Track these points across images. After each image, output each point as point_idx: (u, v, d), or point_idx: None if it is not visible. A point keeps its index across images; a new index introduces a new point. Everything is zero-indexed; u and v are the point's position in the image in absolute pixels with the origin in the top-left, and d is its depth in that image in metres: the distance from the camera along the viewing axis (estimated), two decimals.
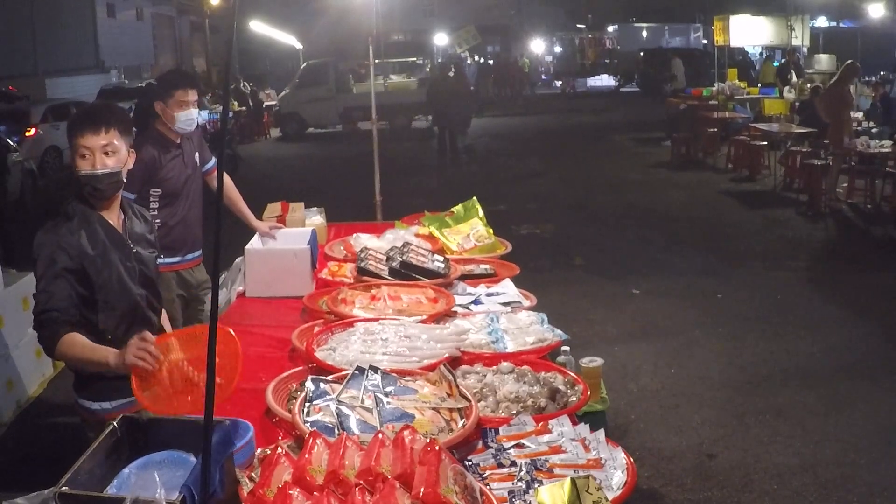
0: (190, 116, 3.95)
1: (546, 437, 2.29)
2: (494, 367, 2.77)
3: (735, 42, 18.21)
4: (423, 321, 3.14)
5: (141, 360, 2.28)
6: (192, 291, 4.22)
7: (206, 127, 18.77)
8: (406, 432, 2.00)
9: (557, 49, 42.42)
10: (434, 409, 2.34)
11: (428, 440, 1.99)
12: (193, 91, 3.98)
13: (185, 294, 4.19)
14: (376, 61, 8.29)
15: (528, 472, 2.10)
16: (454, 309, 3.40)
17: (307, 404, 2.35)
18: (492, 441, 2.29)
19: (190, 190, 4.14)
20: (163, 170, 3.96)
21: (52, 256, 2.59)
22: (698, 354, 5.84)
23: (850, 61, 10.99)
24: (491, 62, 33.36)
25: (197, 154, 4.23)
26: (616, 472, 2.16)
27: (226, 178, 4.42)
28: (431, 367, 2.66)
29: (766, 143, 12.61)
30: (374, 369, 2.48)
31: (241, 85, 23.23)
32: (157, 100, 4.01)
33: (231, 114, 19.27)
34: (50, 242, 2.62)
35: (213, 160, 4.39)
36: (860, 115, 13.62)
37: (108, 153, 2.66)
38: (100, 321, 2.70)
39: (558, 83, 36.63)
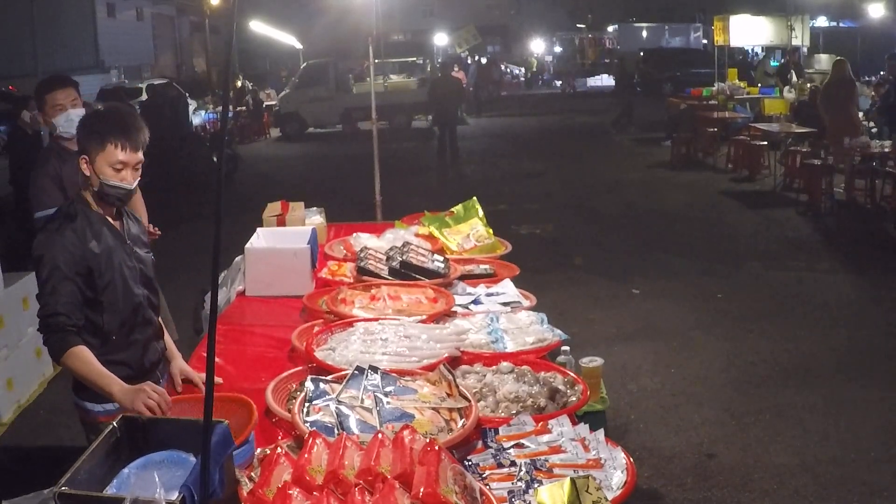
0: (69, 118, 3.73)
1: (546, 437, 2.29)
2: (494, 367, 2.77)
3: (735, 42, 18.22)
4: (422, 321, 3.14)
5: (148, 409, 2.37)
6: None
7: (207, 126, 18.77)
8: (406, 432, 2.00)
9: (557, 49, 42.44)
10: (434, 409, 2.34)
11: (427, 440, 1.99)
12: (65, 91, 3.81)
13: None
14: (376, 61, 8.28)
15: (527, 472, 2.10)
16: (454, 309, 3.40)
17: (307, 404, 2.35)
18: (491, 441, 2.29)
19: None
20: (65, 181, 3.76)
21: (56, 258, 2.59)
22: (698, 354, 5.84)
23: (840, 58, 11.15)
24: (482, 60, 33.55)
25: None
26: (616, 472, 2.16)
27: (137, 198, 4.31)
28: (431, 367, 2.66)
29: (766, 143, 12.61)
30: (374, 369, 2.48)
31: (242, 84, 23.22)
32: (39, 111, 3.91)
33: (231, 114, 19.27)
34: (54, 244, 2.62)
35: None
36: (860, 115, 13.62)
37: (137, 169, 2.72)
38: (104, 322, 2.71)
39: (558, 83, 36.66)
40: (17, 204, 9.44)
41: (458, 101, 17.00)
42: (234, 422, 2.29)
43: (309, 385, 2.43)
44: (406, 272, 3.75)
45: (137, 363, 2.81)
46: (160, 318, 3.03)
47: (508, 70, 38.17)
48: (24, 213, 9.16)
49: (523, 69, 40.15)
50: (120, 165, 2.65)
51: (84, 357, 2.56)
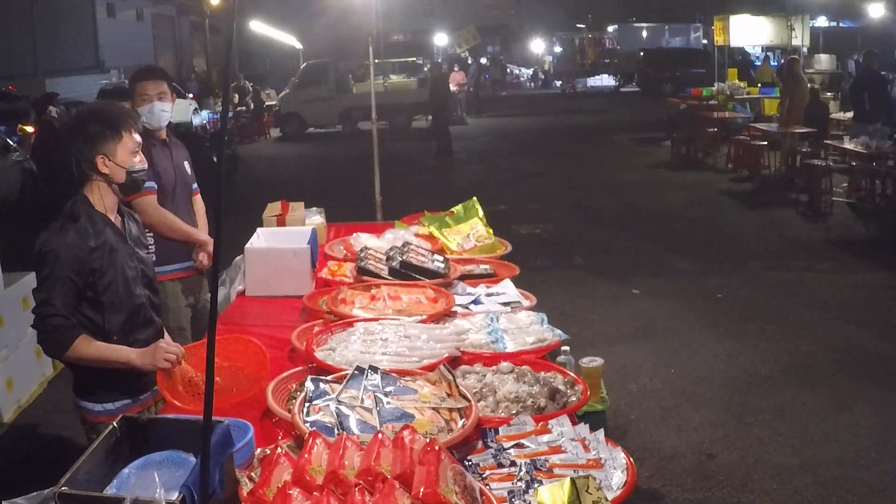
0: (152, 110, 3.77)
1: (546, 437, 2.29)
2: (494, 367, 2.77)
3: (735, 42, 18.20)
4: (422, 321, 3.14)
5: (167, 362, 2.61)
6: (200, 297, 4.06)
7: (206, 126, 18.75)
8: (406, 432, 2.00)
9: (557, 49, 42.43)
10: (434, 409, 2.34)
11: (428, 440, 1.99)
12: (155, 83, 3.81)
13: (194, 303, 4.01)
14: (376, 61, 8.28)
15: (527, 472, 2.10)
16: (454, 309, 3.40)
17: (307, 404, 2.35)
18: (491, 441, 2.29)
19: (178, 194, 3.94)
20: (156, 163, 3.75)
21: (59, 257, 2.61)
22: (698, 354, 5.84)
23: (792, 56, 13.34)
24: (481, 61, 33.65)
25: (187, 164, 4.07)
26: (616, 472, 2.16)
27: (200, 204, 4.30)
28: (431, 367, 2.66)
29: (766, 143, 12.62)
30: (374, 369, 2.48)
31: (242, 83, 23.22)
32: (129, 99, 3.92)
33: (231, 114, 19.28)
34: (56, 243, 2.63)
35: (195, 186, 4.20)
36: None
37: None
38: (106, 322, 2.73)
39: (558, 83, 36.63)
40: (42, 196, 9.66)
41: (444, 103, 17.13)
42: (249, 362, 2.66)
43: (309, 385, 2.43)
44: (406, 272, 3.75)
45: None
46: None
47: (508, 70, 38.19)
48: (44, 206, 9.23)
49: (522, 69, 40.14)
50: (136, 148, 2.79)
51: (90, 343, 2.65)
